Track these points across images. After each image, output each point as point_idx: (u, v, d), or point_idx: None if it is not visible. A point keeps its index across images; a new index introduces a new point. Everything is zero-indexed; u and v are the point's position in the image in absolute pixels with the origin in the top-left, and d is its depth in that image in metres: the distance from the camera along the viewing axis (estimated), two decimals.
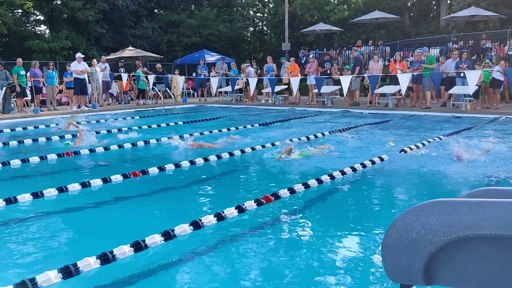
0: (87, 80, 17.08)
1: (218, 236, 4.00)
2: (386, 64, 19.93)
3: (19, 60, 15.56)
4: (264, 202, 4.74)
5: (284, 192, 5.07)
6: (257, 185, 5.97)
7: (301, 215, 4.60)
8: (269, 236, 4.01)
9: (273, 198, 4.87)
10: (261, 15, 38.78)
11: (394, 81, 15.35)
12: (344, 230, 4.12)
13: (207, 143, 8.78)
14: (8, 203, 4.88)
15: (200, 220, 4.10)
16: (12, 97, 16.06)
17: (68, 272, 3.16)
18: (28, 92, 16.87)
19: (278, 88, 18.39)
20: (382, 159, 6.99)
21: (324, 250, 3.66)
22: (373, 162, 6.79)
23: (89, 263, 3.28)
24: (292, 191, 5.16)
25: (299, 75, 17.76)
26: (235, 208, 4.45)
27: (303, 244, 3.84)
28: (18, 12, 27.19)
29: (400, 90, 15.02)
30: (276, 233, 4.09)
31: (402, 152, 7.55)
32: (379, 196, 5.29)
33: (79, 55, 16.75)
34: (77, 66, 16.38)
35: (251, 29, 37.26)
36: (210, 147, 8.46)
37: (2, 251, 3.81)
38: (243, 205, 4.55)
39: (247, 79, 19.00)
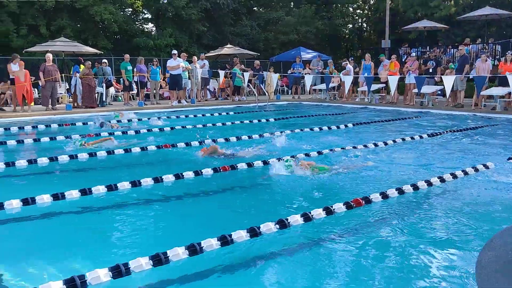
0: (186, 76, 17.86)
1: (304, 237, 3.95)
2: (495, 64, 18.45)
3: (127, 56, 16.74)
4: (354, 205, 4.60)
5: (376, 197, 4.88)
6: (349, 188, 5.81)
7: (390, 221, 4.39)
8: (357, 240, 3.88)
9: (363, 202, 4.71)
10: (361, 11, 37.89)
11: (504, 82, 14.14)
12: (434, 241, 3.86)
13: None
14: (109, 190, 5.23)
15: (287, 219, 4.07)
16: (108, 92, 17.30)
17: (158, 259, 3.30)
18: (134, 86, 18.12)
19: (375, 86, 17.82)
20: (487, 167, 6.46)
21: (408, 260, 3.46)
22: (476, 170, 6.30)
23: (178, 253, 3.39)
24: (384, 195, 4.94)
25: (398, 73, 17.04)
26: (323, 210, 4.36)
27: (388, 251, 3.66)
28: (128, 11, 29.20)
29: (510, 93, 13.82)
30: (364, 237, 3.94)
31: (511, 160, 6.91)
32: (479, 207, 4.87)
33: (174, 52, 17.55)
34: (172, 63, 17.11)
35: (350, 26, 36.55)
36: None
37: (99, 235, 4.09)
38: (331, 206, 4.44)
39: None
